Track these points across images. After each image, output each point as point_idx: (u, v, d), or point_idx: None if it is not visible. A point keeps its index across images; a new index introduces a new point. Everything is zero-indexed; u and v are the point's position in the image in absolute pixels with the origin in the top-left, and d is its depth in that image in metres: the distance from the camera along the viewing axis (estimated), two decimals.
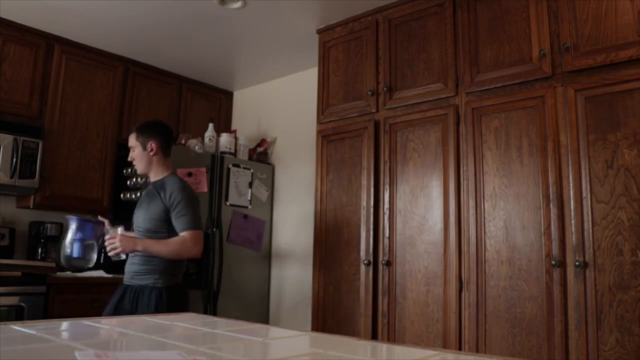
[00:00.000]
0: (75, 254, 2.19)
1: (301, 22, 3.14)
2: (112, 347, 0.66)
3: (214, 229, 3.46)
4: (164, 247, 2.18)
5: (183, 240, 2.19)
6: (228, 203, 3.58)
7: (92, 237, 2.20)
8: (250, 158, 3.94)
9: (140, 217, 2.28)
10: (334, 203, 2.89)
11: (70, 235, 2.19)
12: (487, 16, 2.47)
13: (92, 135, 3.50)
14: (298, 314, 3.61)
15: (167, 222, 2.23)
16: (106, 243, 2.18)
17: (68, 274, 3.05)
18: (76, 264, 2.29)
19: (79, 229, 2.21)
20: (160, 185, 2.28)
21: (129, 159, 2.35)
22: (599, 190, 2.04)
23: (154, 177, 2.33)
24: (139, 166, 2.33)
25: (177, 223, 2.21)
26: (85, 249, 2.21)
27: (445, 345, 2.34)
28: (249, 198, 3.74)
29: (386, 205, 2.66)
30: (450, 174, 2.45)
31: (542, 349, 2.09)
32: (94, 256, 2.23)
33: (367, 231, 2.70)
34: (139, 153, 2.31)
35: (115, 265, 2.89)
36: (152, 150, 2.30)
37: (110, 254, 2.17)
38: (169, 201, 2.22)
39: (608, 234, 2.00)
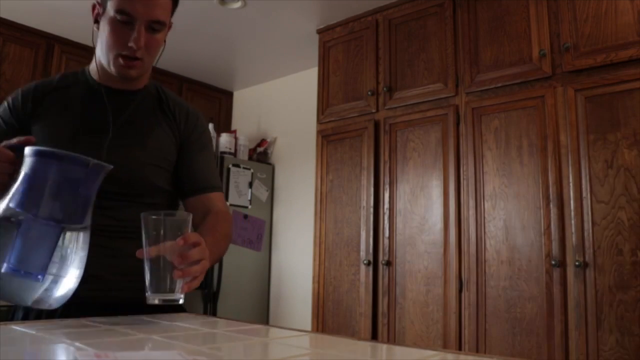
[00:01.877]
0: (14, 261, 0.77)
1: (301, 22, 3.14)
2: (112, 347, 0.66)
3: None
4: (225, 242, 1.15)
5: (226, 214, 1.21)
6: (228, 203, 3.58)
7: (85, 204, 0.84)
8: (250, 158, 3.94)
9: (140, 159, 1.14)
10: (334, 203, 2.89)
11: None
12: (487, 16, 2.47)
13: None
14: (298, 314, 3.61)
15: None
16: (181, 261, 0.83)
17: None
18: (7, 292, 0.82)
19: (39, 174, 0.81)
20: (158, 98, 1.25)
21: (137, 44, 1.08)
22: (599, 190, 2.04)
23: (139, 84, 1.22)
24: (149, 60, 1.16)
25: (204, 172, 1.23)
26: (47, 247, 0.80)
27: (445, 345, 2.34)
28: (249, 198, 3.73)
29: (386, 205, 2.66)
30: (450, 174, 2.45)
31: (542, 349, 2.09)
32: (74, 271, 0.84)
33: (367, 231, 2.70)
34: (162, 37, 1.18)
35: None
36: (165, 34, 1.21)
37: (192, 283, 0.86)
38: (185, 130, 1.23)
39: (608, 234, 2.00)
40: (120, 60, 1.11)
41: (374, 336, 2.59)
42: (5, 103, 1.16)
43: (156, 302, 0.82)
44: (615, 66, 2.07)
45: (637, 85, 2.00)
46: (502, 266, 2.24)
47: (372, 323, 2.61)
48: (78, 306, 0.99)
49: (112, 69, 1.13)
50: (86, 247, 0.85)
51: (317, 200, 2.97)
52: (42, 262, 0.79)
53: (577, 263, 2.04)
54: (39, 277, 0.79)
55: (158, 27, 1.13)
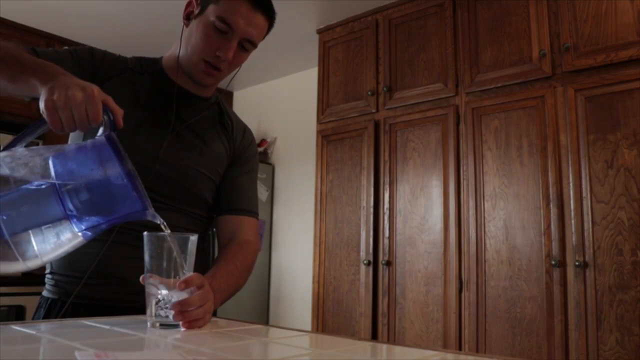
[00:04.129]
0: None
1: (301, 22, 3.14)
2: (112, 347, 0.66)
3: (214, 229, 3.45)
4: (243, 276, 1.12)
5: (253, 243, 1.21)
6: None
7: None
8: None
9: (195, 165, 1.14)
10: (334, 203, 2.89)
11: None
12: (487, 16, 2.47)
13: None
14: (298, 314, 3.61)
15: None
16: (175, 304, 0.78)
17: None
18: None
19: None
20: (219, 109, 1.26)
21: (226, 56, 1.08)
22: (599, 190, 2.04)
23: (208, 92, 1.23)
24: (226, 74, 1.16)
25: (244, 194, 1.23)
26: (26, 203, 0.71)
27: (445, 345, 2.34)
28: None
29: (386, 205, 2.66)
30: (450, 174, 2.45)
31: (542, 349, 2.09)
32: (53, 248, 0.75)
33: (367, 231, 2.70)
34: (247, 57, 1.16)
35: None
36: None
37: (193, 324, 0.80)
38: (239, 147, 1.26)
39: (608, 234, 2.00)
40: (202, 66, 1.10)
41: (374, 336, 2.59)
42: (88, 51, 1.14)
43: (157, 326, 0.79)
44: (615, 66, 2.07)
45: (637, 85, 2.00)
46: (502, 266, 2.24)
47: (372, 323, 2.61)
48: (103, 308, 0.98)
49: (191, 71, 1.13)
50: (65, 250, 0.76)
51: (317, 200, 2.97)
52: (17, 226, 0.68)
53: (577, 263, 2.04)
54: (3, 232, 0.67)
55: (249, 46, 1.12)
